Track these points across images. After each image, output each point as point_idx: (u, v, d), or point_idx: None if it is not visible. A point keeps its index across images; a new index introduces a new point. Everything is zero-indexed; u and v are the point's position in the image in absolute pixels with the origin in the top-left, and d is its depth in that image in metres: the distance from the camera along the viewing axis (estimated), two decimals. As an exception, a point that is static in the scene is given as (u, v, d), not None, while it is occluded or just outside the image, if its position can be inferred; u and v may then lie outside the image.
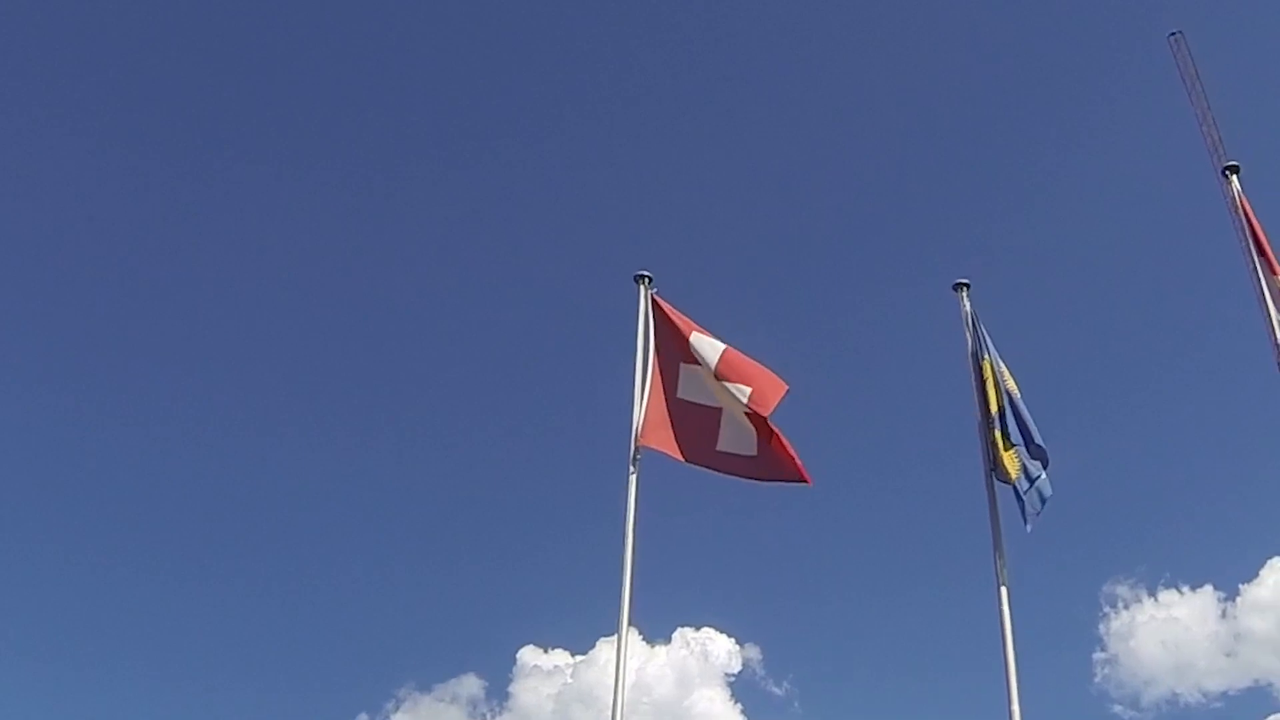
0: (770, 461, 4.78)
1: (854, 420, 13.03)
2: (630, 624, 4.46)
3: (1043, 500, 4.62)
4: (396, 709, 11.41)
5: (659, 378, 4.77)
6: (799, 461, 4.79)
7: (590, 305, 14.04)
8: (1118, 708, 11.51)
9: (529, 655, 11.18)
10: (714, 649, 10.95)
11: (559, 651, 10.96)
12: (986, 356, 4.84)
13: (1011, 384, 4.77)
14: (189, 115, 17.32)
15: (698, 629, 11.07)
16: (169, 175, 17.20)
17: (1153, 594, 11.96)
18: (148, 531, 13.82)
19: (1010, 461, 4.62)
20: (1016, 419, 4.71)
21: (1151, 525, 13.28)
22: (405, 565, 13.56)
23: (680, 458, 4.53)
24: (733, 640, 11.04)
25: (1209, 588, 11.79)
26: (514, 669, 11.34)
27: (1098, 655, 11.68)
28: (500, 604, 13.03)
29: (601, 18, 17.69)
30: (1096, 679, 11.65)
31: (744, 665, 11.16)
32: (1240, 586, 11.84)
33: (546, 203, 17.88)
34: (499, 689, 12.12)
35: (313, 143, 18.24)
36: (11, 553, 13.16)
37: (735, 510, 9.71)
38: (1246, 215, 5.04)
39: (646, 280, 4.95)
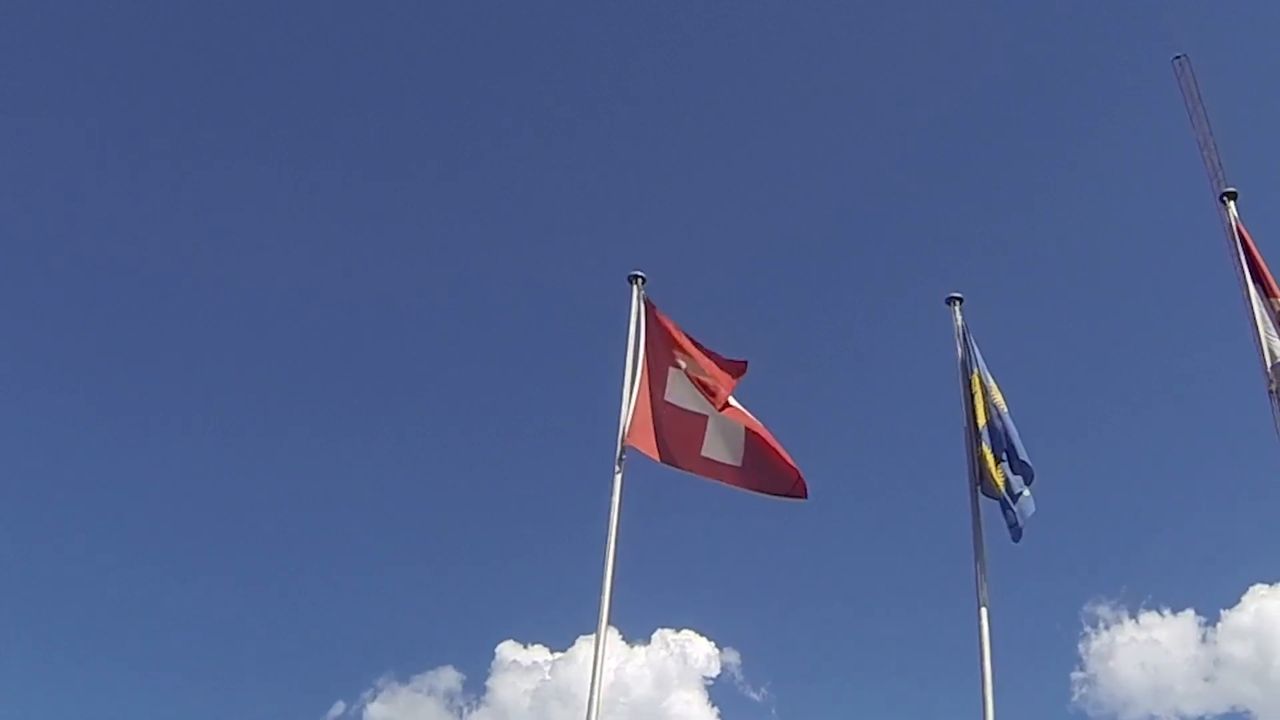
0: (756, 473, 4.77)
1: (843, 430, 12.98)
2: (610, 623, 4.47)
3: (1025, 517, 4.64)
4: (374, 698, 11.39)
5: (647, 379, 4.77)
6: (796, 476, 4.78)
7: (581, 304, 14.03)
8: (1095, 728, 11.53)
9: (508, 650, 11.16)
10: (693, 652, 10.92)
11: (538, 648, 10.93)
12: (976, 370, 4.86)
13: (999, 399, 4.79)
14: (188, 112, 17.30)
15: (678, 631, 11.05)
16: (169, 172, 17.17)
17: (1134, 615, 11.96)
18: (128, 524, 13.80)
19: (998, 475, 4.63)
20: (1004, 434, 4.72)
21: (1135, 547, 13.28)
22: (387, 557, 13.54)
23: (656, 458, 4.54)
24: (712, 644, 11.01)
25: (1190, 611, 11.79)
26: (493, 663, 11.32)
27: (1076, 674, 11.68)
28: (481, 598, 13.00)
29: (600, 18, 17.66)
30: (1074, 698, 11.64)
31: (723, 669, 11.13)
32: (1221, 612, 11.86)
33: (540, 202, 17.87)
34: (477, 683, 12.10)
35: (308, 142, 18.19)
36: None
37: (721, 514, 9.69)
38: (1243, 240, 5.09)
39: (640, 281, 4.96)
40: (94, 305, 16.71)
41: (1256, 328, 4.74)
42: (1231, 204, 5.12)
